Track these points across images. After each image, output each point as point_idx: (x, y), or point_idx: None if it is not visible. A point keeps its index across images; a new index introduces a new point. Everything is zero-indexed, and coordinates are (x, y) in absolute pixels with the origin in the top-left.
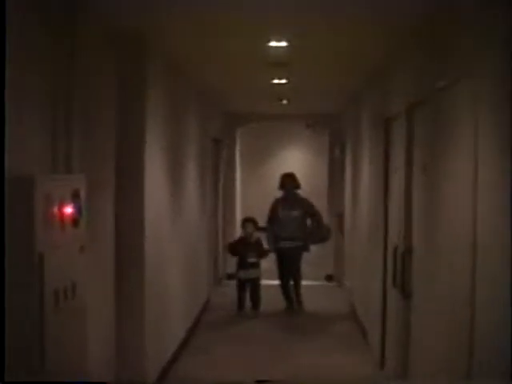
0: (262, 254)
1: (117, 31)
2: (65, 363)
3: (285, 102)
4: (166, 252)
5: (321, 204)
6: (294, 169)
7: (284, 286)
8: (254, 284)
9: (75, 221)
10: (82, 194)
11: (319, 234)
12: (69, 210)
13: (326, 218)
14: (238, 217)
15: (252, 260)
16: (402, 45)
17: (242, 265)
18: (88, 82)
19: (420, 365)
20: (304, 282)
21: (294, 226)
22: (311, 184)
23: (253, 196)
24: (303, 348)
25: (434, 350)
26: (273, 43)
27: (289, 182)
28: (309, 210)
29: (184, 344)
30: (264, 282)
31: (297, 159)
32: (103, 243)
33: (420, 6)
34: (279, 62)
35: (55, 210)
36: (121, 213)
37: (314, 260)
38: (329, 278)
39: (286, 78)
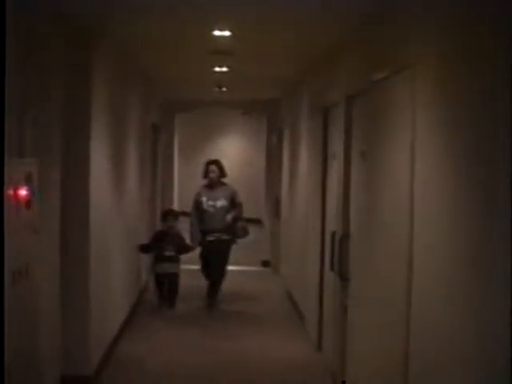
0: (183, 249)
1: (62, 20)
2: (22, 341)
3: (224, 89)
4: (109, 235)
5: (259, 189)
6: (231, 155)
7: (206, 273)
8: (171, 280)
9: (29, 203)
10: (35, 177)
11: (234, 229)
12: (23, 192)
13: (263, 204)
14: (176, 202)
15: (169, 253)
16: (344, 35)
17: (159, 258)
18: (38, 71)
19: (356, 347)
20: (240, 268)
21: (220, 217)
22: (248, 170)
23: (190, 182)
24: (239, 333)
25: (369, 332)
26: (217, 32)
27: (213, 169)
28: (234, 200)
29: (125, 326)
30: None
31: (235, 146)
32: (50, 225)
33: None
34: (222, 51)
35: (11, 192)
36: (67, 196)
37: (249, 245)
38: (265, 263)
39: (228, 66)
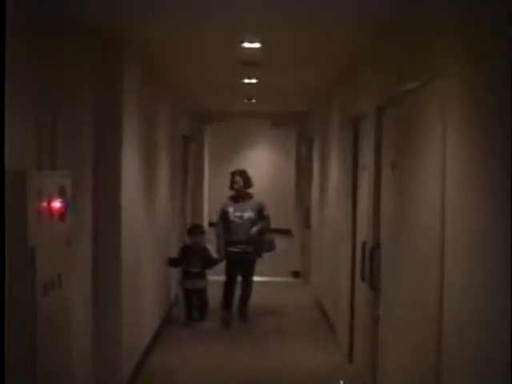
0: (209, 263)
1: (93, 33)
2: (53, 352)
3: (254, 100)
4: (140, 246)
5: (288, 200)
6: (260, 166)
7: (228, 291)
8: (199, 295)
9: (62, 215)
10: (68, 189)
11: (260, 242)
12: (57, 204)
13: (293, 214)
14: (206, 213)
15: (195, 270)
16: (373, 45)
17: (187, 274)
18: (69, 84)
19: (388, 358)
20: (269, 279)
21: (247, 228)
22: (278, 181)
23: (220, 193)
24: (271, 345)
25: (402, 343)
26: (246, 44)
27: (237, 180)
28: (261, 212)
29: (155, 338)
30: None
31: (264, 156)
32: (83, 237)
33: (390, 7)
34: (251, 62)
35: (45, 204)
36: (99, 208)
37: (279, 255)
38: (295, 274)
39: (257, 78)
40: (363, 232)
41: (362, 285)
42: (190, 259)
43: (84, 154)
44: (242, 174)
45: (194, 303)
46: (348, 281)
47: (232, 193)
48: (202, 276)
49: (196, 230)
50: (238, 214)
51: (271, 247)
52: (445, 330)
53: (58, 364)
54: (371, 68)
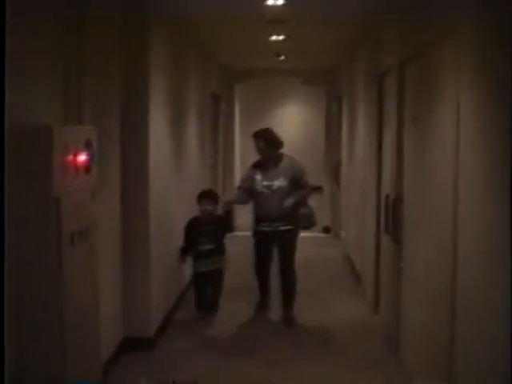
0: (225, 230)
1: None
2: (80, 301)
3: (282, 57)
4: (169, 201)
5: (319, 157)
6: (291, 123)
7: (261, 278)
8: (212, 279)
9: (88, 168)
10: (94, 143)
11: (296, 218)
12: (82, 157)
13: (323, 171)
14: (237, 172)
15: (207, 247)
16: (393, 3)
17: (197, 254)
18: (96, 40)
19: (411, 310)
20: (301, 234)
21: (278, 201)
22: (309, 138)
23: (251, 151)
24: (298, 297)
25: (423, 295)
26: (270, 1)
27: (259, 145)
28: (298, 179)
29: (182, 297)
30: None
31: (295, 114)
32: (111, 190)
33: None
34: (276, 19)
35: (70, 157)
36: (127, 164)
37: None
38: (326, 229)
39: (284, 35)
40: (388, 185)
41: (385, 238)
42: (199, 234)
43: (111, 111)
44: (263, 134)
45: (205, 290)
46: (373, 234)
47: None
48: (217, 253)
49: (205, 195)
50: (266, 183)
51: (311, 223)
52: (459, 282)
53: (85, 316)
54: (395, 24)
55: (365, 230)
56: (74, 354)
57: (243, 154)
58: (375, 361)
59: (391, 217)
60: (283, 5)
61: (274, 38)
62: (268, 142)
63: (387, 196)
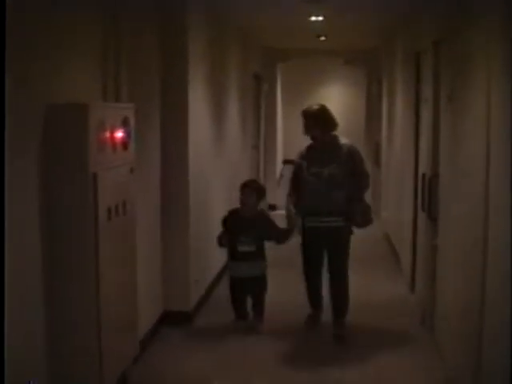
0: (277, 236)
1: None
2: (117, 272)
3: (323, 38)
4: (209, 177)
5: (360, 137)
6: (333, 104)
7: (311, 285)
8: (252, 287)
9: (125, 144)
10: (131, 121)
11: (351, 213)
12: (119, 134)
13: (365, 151)
14: (279, 153)
15: (245, 248)
16: None
17: (232, 255)
18: (133, 21)
19: (446, 288)
20: None
21: (329, 191)
22: (349, 119)
23: (294, 132)
24: None
25: (457, 273)
26: None
27: (317, 120)
28: (354, 166)
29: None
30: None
31: (336, 94)
32: (151, 169)
33: None
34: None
35: (107, 134)
36: (166, 143)
37: None
38: None
39: (323, 16)
40: (424, 164)
41: (422, 216)
42: (238, 231)
43: (151, 91)
44: (315, 112)
45: (243, 299)
46: (411, 213)
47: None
48: (256, 257)
49: (249, 185)
50: (314, 169)
51: (366, 220)
52: (489, 262)
53: (122, 291)
54: (432, 5)
55: (403, 208)
56: (110, 329)
57: (285, 133)
58: (411, 338)
59: (427, 195)
60: None
61: (313, 18)
62: (320, 121)
63: (424, 174)
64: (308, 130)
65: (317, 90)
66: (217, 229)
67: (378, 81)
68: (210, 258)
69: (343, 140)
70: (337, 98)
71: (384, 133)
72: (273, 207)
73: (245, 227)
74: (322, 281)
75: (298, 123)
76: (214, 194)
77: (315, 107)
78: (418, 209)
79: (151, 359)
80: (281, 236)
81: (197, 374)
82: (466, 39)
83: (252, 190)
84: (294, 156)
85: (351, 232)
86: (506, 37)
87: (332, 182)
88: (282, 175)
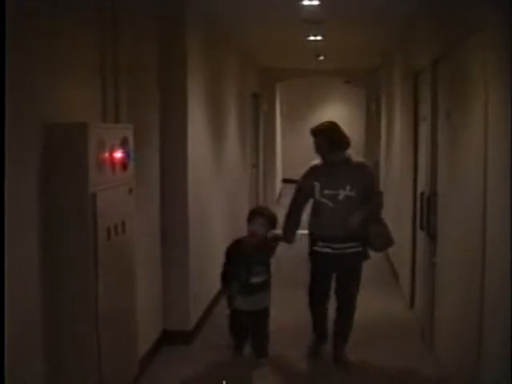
0: (271, 248)
1: None
2: (116, 292)
3: (321, 58)
4: (208, 198)
5: (359, 154)
6: None
7: (317, 313)
8: (259, 319)
9: (124, 165)
10: (130, 141)
11: (366, 236)
12: (119, 154)
13: None
14: (279, 171)
15: (258, 279)
16: (426, 2)
17: (243, 287)
18: (133, 42)
19: (444, 304)
20: None
21: (344, 215)
22: (350, 136)
23: (293, 151)
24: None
25: (455, 289)
26: (305, 1)
27: (328, 138)
28: (369, 187)
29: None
30: None
31: (335, 113)
32: (150, 187)
33: None
34: (312, 20)
35: (106, 154)
36: (165, 162)
37: None
38: None
39: (321, 35)
40: (423, 182)
41: (421, 233)
42: (246, 262)
43: (150, 110)
44: (326, 130)
45: (246, 332)
46: (409, 230)
47: (320, 160)
48: (267, 287)
49: (260, 213)
50: (328, 191)
51: (386, 243)
52: (487, 278)
53: (122, 311)
54: (428, 23)
55: (402, 226)
56: (109, 349)
57: (285, 152)
58: (409, 355)
59: (426, 213)
60: (318, 6)
61: (311, 38)
62: (332, 140)
63: (422, 193)
64: (318, 148)
65: (316, 109)
66: (216, 247)
67: (377, 100)
68: (210, 276)
69: (356, 160)
70: (336, 116)
71: (383, 151)
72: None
73: (256, 256)
74: (328, 309)
75: (298, 142)
76: (213, 213)
77: (326, 124)
78: (417, 227)
79: (151, 379)
80: (273, 243)
81: None
82: (463, 56)
83: (264, 219)
84: (295, 175)
85: (368, 257)
86: (503, 51)
87: (347, 205)
88: (281, 194)
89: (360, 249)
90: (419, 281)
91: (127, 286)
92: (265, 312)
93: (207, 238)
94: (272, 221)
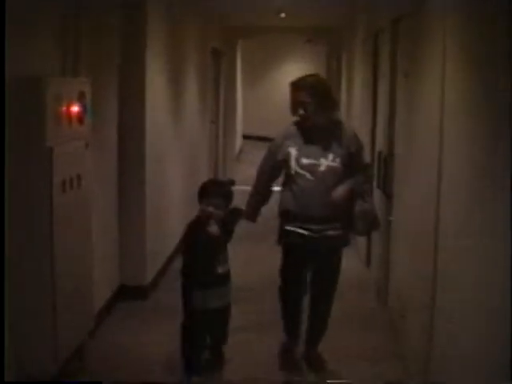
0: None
1: None
2: (72, 248)
3: (283, 15)
4: (166, 156)
5: None
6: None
7: (289, 311)
8: (225, 317)
9: (81, 119)
10: (88, 95)
11: (350, 216)
12: (75, 108)
13: None
14: (239, 127)
15: (225, 268)
16: None
17: (205, 282)
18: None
19: (399, 263)
20: None
21: (326, 190)
22: None
23: (253, 107)
24: None
25: (409, 248)
26: None
27: (314, 94)
28: (355, 156)
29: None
30: None
31: (296, 72)
32: (107, 143)
33: None
34: None
35: (63, 108)
36: (123, 117)
37: None
38: None
39: None
40: (381, 142)
41: (378, 192)
42: (211, 250)
43: (109, 66)
44: (311, 84)
45: (204, 339)
46: None
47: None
48: (230, 278)
49: (213, 190)
50: (307, 160)
51: (373, 224)
52: (440, 237)
53: (77, 264)
54: None
55: None
56: (64, 303)
57: (244, 109)
58: (366, 314)
59: (383, 172)
60: None
61: None
62: (318, 97)
63: (380, 153)
64: (296, 106)
65: (277, 67)
66: (175, 203)
67: (338, 59)
68: (168, 232)
69: (344, 124)
70: (296, 75)
71: (343, 110)
72: (232, 183)
73: (218, 242)
74: (303, 305)
75: (259, 99)
76: (171, 166)
77: (313, 76)
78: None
79: (108, 333)
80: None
81: (154, 348)
82: (422, 16)
83: (220, 199)
84: (254, 131)
85: (348, 243)
86: (462, 12)
87: (330, 178)
88: (241, 151)
89: (341, 231)
90: (375, 239)
91: (83, 240)
92: (230, 307)
93: (165, 193)
94: (227, 196)
